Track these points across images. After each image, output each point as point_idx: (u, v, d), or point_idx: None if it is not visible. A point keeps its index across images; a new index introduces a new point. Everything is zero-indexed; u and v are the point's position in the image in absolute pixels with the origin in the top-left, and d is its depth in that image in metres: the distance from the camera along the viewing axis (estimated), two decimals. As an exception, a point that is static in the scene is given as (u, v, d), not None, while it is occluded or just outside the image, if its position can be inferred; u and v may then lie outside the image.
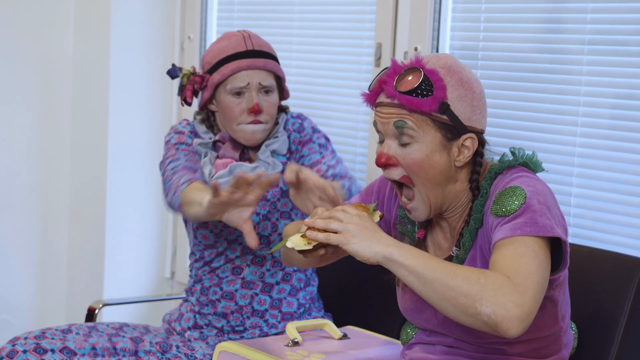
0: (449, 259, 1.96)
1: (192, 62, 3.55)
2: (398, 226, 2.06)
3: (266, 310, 2.51)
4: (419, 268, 1.77)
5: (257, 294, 2.51)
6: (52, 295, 3.72)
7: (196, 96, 2.57)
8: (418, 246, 2.00)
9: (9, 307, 3.64)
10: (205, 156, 2.53)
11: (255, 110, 2.48)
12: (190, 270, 2.62)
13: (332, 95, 3.10)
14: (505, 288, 1.73)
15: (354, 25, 3.04)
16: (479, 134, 1.92)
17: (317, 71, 3.09)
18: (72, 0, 3.60)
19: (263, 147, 2.53)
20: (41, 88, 3.59)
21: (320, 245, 1.87)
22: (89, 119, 3.61)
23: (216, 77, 2.50)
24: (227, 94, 2.50)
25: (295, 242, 1.87)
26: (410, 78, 1.88)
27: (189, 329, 2.55)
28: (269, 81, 2.51)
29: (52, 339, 2.40)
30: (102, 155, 3.54)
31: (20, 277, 3.65)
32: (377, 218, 1.94)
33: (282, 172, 2.50)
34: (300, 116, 2.62)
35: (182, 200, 2.35)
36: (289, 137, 2.57)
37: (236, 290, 2.51)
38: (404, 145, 1.90)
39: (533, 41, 2.54)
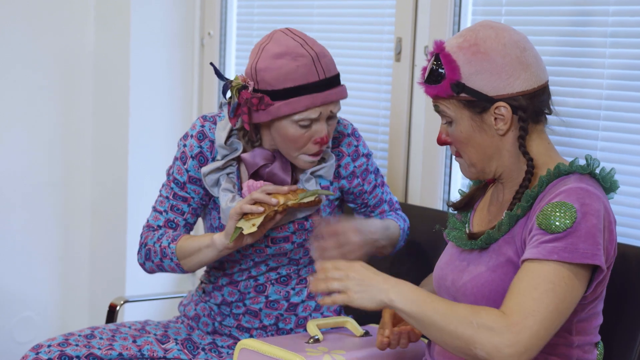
0: (486, 233, 1.95)
1: (212, 59, 3.54)
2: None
3: (292, 329, 2.44)
4: (417, 314, 1.84)
5: (282, 315, 2.43)
6: (74, 292, 3.73)
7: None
8: (477, 194, 2.09)
9: (31, 304, 3.65)
10: (217, 184, 2.36)
11: (324, 142, 2.27)
12: (208, 272, 2.49)
13: (352, 91, 3.07)
14: (498, 329, 1.77)
15: (374, 20, 3.03)
16: (514, 98, 1.90)
17: (338, 66, 3.07)
18: (93, -3, 3.62)
19: (308, 174, 2.35)
20: (62, 85, 3.60)
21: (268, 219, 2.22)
22: (110, 115, 3.61)
23: (284, 109, 2.23)
24: (292, 124, 2.25)
25: (244, 225, 2.22)
26: (427, 67, 1.96)
27: (208, 334, 2.46)
28: (339, 107, 2.30)
29: (77, 345, 2.33)
30: (123, 152, 3.54)
31: (43, 274, 3.66)
32: (309, 199, 2.23)
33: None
34: (354, 133, 2.43)
35: (179, 256, 2.35)
36: (337, 158, 2.41)
37: (260, 310, 2.42)
38: (449, 124, 1.97)
39: (555, 34, 2.52)
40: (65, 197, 3.67)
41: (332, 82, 2.28)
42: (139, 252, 2.43)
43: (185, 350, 2.41)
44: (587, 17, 2.45)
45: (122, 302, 2.85)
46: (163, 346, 2.40)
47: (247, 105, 2.25)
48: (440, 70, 1.91)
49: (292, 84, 2.22)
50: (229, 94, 2.30)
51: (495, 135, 1.92)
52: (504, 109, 1.89)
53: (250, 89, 2.26)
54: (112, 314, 2.82)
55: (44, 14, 3.53)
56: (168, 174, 2.44)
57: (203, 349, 2.43)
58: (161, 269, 2.41)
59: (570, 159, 1.94)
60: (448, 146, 2.02)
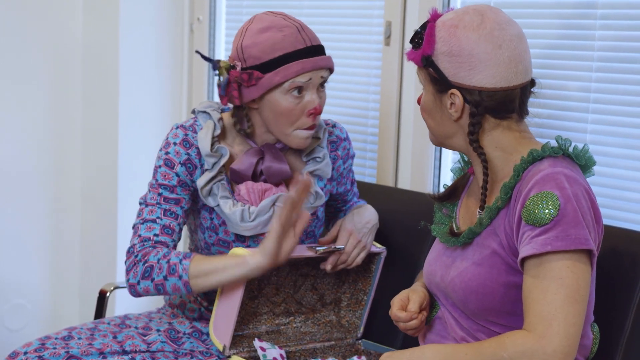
0: (467, 230, 1.95)
1: (201, 44, 3.53)
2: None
3: None
4: None
5: None
6: (65, 278, 3.73)
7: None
8: (460, 184, 2.11)
9: (22, 291, 3.65)
10: (209, 194, 2.31)
11: (318, 112, 2.28)
12: None
13: (342, 75, 3.08)
14: (530, 350, 1.76)
15: (364, 4, 3.02)
16: (470, 91, 1.90)
17: (327, 51, 3.06)
18: (81, -17, 3.60)
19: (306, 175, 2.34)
20: (51, 71, 3.59)
21: None
22: (100, 101, 3.60)
23: (275, 78, 2.23)
24: (283, 94, 2.25)
25: None
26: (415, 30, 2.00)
27: (195, 319, 2.44)
28: (327, 74, 2.32)
29: (54, 348, 2.25)
30: (113, 138, 3.54)
31: (34, 261, 3.66)
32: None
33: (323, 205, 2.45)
34: (347, 137, 2.48)
35: (192, 274, 2.20)
36: (332, 162, 2.43)
37: None
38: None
39: (544, 17, 2.51)
40: (56, 184, 3.66)
41: (319, 50, 2.31)
42: (130, 270, 2.26)
43: (169, 341, 2.37)
44: (576, -1, 2.45)
45: (112, 288, 2.85)
46: (145, 338, 2.35)
47: (237, 82, 2.26)
48: (420, 39, 1.94)
49: (281, 52, 2.25)
50: (219, 80, 2.30)
51: (450, 118, 1.95)
52: (457, 98, 1.91)
53: (239, 68, 2.27)
54: (102, 300, 2.81)
55: (32, 0, 3.51)
56: (151, 185, 2.33)
57: (185, 334, 2.41)
58: (159, 288, 2.23)
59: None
60: None
